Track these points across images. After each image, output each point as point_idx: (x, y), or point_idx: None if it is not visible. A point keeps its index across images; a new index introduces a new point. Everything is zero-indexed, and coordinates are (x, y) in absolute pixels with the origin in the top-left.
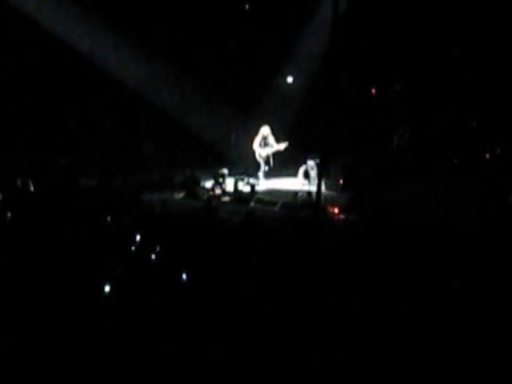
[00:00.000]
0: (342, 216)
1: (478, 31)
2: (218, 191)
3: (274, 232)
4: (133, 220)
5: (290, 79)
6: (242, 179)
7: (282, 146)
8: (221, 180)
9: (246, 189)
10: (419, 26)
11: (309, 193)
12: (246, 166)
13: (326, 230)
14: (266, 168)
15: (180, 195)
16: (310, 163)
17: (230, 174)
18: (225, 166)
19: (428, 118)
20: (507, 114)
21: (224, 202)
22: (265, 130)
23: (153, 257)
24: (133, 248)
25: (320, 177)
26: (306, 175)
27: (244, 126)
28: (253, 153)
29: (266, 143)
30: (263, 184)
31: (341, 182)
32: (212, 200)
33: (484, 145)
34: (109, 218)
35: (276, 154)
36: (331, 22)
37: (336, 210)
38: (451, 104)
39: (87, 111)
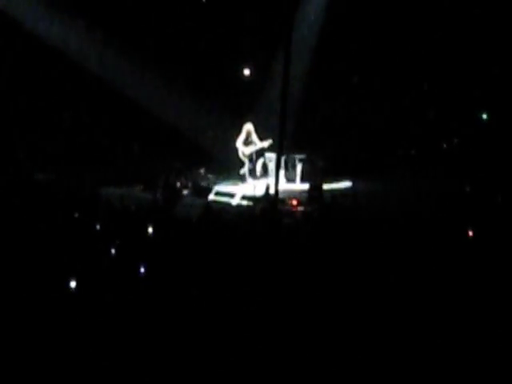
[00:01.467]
0: (300, 208)
1: (437, 21)
2: (177, 184)
3: (231, 225)
4: (89, 215)
5: (246, 71)
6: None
7: (266, 143)
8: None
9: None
10: (381, 17)
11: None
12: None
13: (283, 222)
14: (251, 166)
15: (138, 189)
16: (269, 155)
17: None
18: (203, 164)
19: (386, 109)
20: (463, 104)
21: (183, 196)
22: (248, 127)
23: (108, 251)
24: (90, 243)
25: (278, 169)
26: (265, 168)
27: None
28: (236, 151)
29: (249, 141)
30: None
31: (299, 173)
32: (171, 193)
33: (441, 135)
34: (64, 213)
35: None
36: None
37: (294, 202)
38: (408, 94)
39: (46, 104)
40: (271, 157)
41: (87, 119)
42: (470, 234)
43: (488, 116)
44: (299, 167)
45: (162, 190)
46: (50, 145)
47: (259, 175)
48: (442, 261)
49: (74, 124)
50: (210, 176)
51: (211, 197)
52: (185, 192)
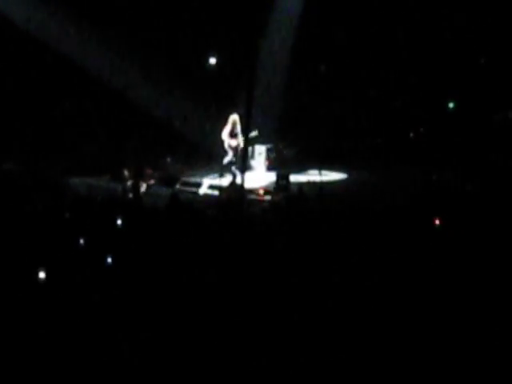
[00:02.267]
0: (267, 197)
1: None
2: (148, 172)
3: (197, 214)
4: (57, 204)
5: (212, 60)
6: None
7: (252, 134)
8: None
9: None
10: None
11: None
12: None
13: (249, 211)
14: (234, 159)
15: (105, 179)
16: (259, 148)
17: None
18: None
19: (353, 99)
20: (431, 93)
21: (149, 185)
22: (235, 118)
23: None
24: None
25: (245, 158)
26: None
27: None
28: (221, 143)
29: (235, 132)
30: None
31: (266, 162)
32: (137, 183)
33: (408, 124)
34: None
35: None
36: None
37: (261, 191)
38: (375, 84)
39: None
40: (261, 149)
41: (55, 108)
42: (437, 222)
43: (455, 105)
44: (263, 156)
45: (129, 179)
46: (18, 134)
47: (266, 169)
48: (409, 249)
49: (43, 113)
50: (177, 166)
51: (177, 186)
52: (151, 182)
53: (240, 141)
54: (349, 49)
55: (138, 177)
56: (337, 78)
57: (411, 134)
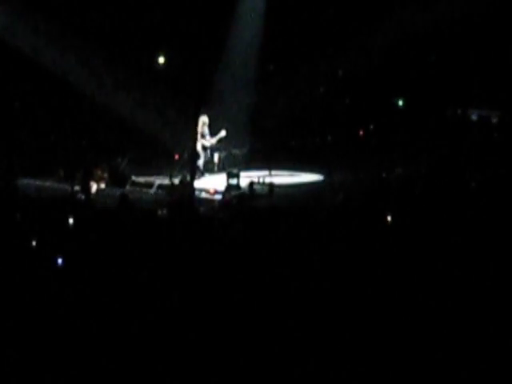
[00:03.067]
0: (218, 196)
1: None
2: (98, 172)
3: (148, 214)
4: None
5: (161, 59)
6: None
7: (223, 133)
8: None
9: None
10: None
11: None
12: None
13: (200, 210)
14: (208, 159)
15: (55, 179)
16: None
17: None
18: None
19: (302, 95)
20: (379, 91)
21: (100, 186)
22: (204, 119)
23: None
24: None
25: (193, 158)
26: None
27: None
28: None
29: (205, 133)
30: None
31: (216, 161)
32: (87, 184)
33: (357, 121)
34: None
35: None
36: None
37: (212, 190)
38: (325, 81)
39: None
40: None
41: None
42: (389, 219)
43: (404, 102)
44: (216, 156)
45: (79, 180)
46: None
47: (216, 169)
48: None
49: None
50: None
51: (128, 187)
52: (103, 182)
53: (212, 141)
54: (300, 48)
55: (88, 177)
56: (285, 76)
57: (361, 132)
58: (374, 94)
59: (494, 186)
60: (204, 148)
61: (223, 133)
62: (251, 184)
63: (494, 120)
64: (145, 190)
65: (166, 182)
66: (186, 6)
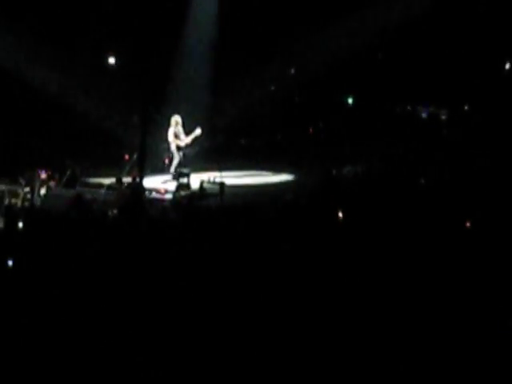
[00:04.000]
0: (168, 196)
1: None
2: (43, 176)
3: (98, 214)
4: None
5: (111, 60)
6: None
7: (198, 131)
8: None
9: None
10: None
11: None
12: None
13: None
14: (182, 159)
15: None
16: None
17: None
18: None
19: (252, 95)
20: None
21: (49, 187)
22: (177, 119)
23: None
24: None
25: (142, 159)
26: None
27: None
28: (168, 145)
29: (178, 133)
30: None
31: (166, 161)
32: (36, 185)
33: (307, 119)
34: None
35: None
36: None
37: (162, 190)
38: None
39: None
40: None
41: None
42: (340, 215)
43: (353, 100)
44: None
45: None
46: None
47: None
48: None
49: None
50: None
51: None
52: (51, 183)
53: (187, 140)
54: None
55: (34, 180)
56: (236, 73)
57: (310, 130)
58: (324, 91)
59: (442, 182)
60: (178, 148)
61: (198, 131)
62: (202, 183)
63: (443, 117)
64: (94, 190)
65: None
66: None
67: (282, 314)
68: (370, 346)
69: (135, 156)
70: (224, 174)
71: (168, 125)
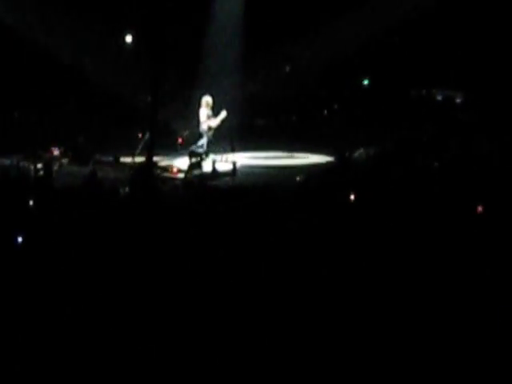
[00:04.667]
0: (180, 175)
1: None
2: (56, 153)
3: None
4: None
5: (128, 38)
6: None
7: (224, 113)
8: None
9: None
10: None
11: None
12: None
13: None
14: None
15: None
16: None
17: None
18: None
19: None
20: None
21: (62, 164)
22: (208, 100)
23: None
24: None
25: (152, 138)
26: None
27: None
28: (198, 125)
29: (210, 114)
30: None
31: (179, 140)
32: (51, 161)
33: (321, 102)
34: None
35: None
36: None
37: (175, 169)
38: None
39: None
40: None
41: None
42: (352, 198)
43: (369, 82)
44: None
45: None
46: None
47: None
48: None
49: None
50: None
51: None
52: (64, 160)
53: (216, 121)
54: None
55: (47, 156)
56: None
57: (325, 112)
58: (340, 73)
59: (456, 166)
60: (209, 129)
61: (224, 113)
62: (214, 163)
63: (459, 100)
64: (107, 168)
65: (129, 160)
66: None
67: (285, 305)
68: (374, 341)
69: (147, 135)
70: (241, 154)
71: (198, 105)
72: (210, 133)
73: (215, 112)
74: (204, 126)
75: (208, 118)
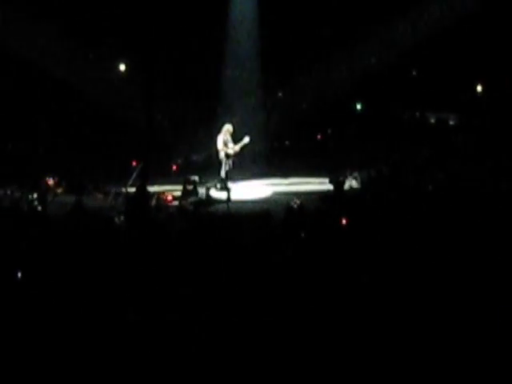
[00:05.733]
0: (175, 203)
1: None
2: (50, 182)
3: (103, 222)
4: None
5: (122, 67)
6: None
7: (246, 139)
8: None
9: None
10: None
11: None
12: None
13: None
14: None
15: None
16: None
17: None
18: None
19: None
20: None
21: (57, 194)
22: (229, 128)
23: None
24: None
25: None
26: None
27: None
28: (216, 153)
29: (228, 142)
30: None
31: (174, 168)
32: (45, 192)
33: (315, 126)
34: None
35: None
36: None
37: (169, 197)
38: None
39: None
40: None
41: None
42: (344, 222)
43: (362, 106)
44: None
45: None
46: None
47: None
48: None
49: None
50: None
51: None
52: (59, 190)
53: (236, 148)
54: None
55: (42, 186)
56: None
57: (318, 136)
58: (333, 98)
59: (451, 187)
60: (227, 156)
61: (247, 139)
62: (208, 190)
63: (452, 122)
64: (102, 197)
65: (123, 189)
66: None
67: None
68: (371, 345)
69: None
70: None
71: (218, 132)
72: (230, 160)
73: (237, 139)
74: (222, 154)
75: (226, 145)
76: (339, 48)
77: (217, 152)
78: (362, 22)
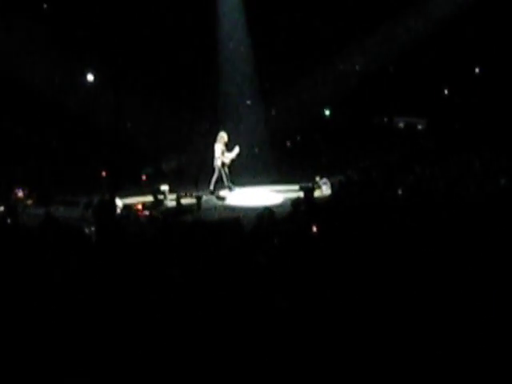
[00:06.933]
0: (145, 212)
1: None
2: (20, 194)
3: (74, 231)
4: None
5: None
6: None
7: (237, 149)
8: None
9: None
10: None
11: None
12: None
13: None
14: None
15: None
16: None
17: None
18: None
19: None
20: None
21: (27, 206)
22: (224, 136)
23: None
24: None
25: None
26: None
27: None
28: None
29: (224, 150)
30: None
31: (143, 178)
32: (15, 203)
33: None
34: None
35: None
36: None
37: (139, 207)
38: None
39: None
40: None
41: None
42: (314, 229)
43: (330, 112)
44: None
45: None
46: None
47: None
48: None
49: None
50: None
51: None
52: (29, 202)
53: (230, 157)
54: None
55: (11, 199)
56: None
57: (288, 143)
58: (301, 105)
59: (420, 192)
60: (223, 164)
61: (237, 149)
62: (178, 198)
63: (420, 127)
64: (71, 208)
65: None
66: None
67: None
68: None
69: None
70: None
71: (214, 140)
72: (226, 168)
73: (229, 147)
74: (218, 162)
75: (223, 154)
76: (308, 54)
77: (213, 159)
78: (334, 30)
